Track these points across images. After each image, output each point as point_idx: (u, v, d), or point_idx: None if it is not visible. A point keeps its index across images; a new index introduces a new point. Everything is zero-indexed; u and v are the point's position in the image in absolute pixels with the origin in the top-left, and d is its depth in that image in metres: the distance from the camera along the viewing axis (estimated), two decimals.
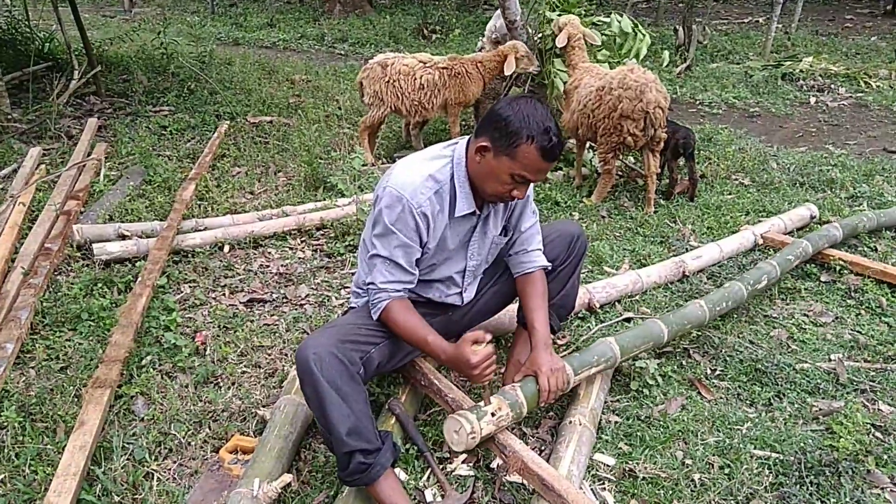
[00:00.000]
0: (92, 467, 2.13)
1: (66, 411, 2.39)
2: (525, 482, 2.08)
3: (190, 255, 3.58)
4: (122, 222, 3.78)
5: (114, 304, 3.06)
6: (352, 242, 3.76)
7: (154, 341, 2.83)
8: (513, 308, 2.66)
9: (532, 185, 2.29)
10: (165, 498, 2.07)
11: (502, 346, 2.83)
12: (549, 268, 2.37)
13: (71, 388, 2.52)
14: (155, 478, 2.16)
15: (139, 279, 3.12)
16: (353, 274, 3.47)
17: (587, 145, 4.74)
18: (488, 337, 1.94)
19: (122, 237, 3.58)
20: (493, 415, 2.04)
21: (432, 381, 2.33)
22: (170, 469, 2.21)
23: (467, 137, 2.12)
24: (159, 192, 4.34)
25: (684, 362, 2.78)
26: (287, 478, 1.98)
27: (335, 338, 1.97)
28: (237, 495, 1.93)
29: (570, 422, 2.27)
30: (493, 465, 2.20)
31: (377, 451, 1.92)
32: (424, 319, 2.09)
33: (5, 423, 2.29)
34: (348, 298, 3.23)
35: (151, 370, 2.64)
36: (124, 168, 4.78)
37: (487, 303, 2.49)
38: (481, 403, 2.06)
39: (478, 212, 2.15)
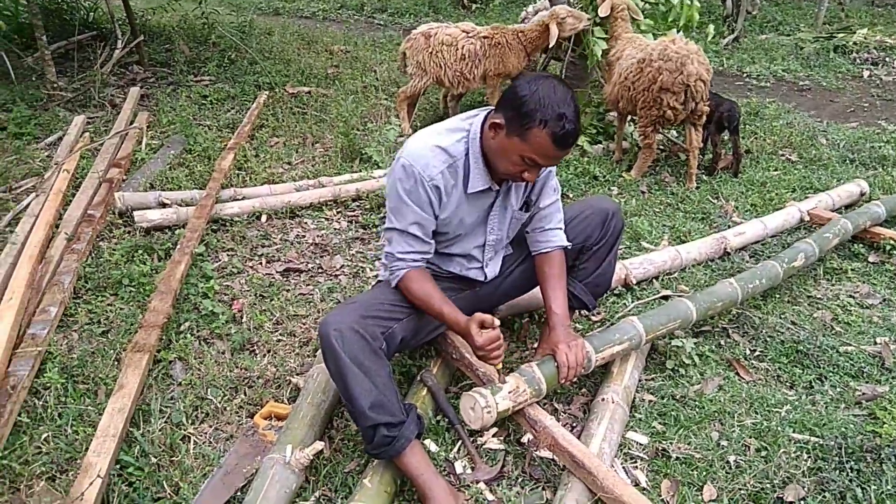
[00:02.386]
0: (130, 429, 2.19)
1: (106, 374, 2.45)
2: (555, 458, 2.08)
3: (228, 224, 3.62)
4: (163, 190, 3.83)
5: (153, 271, 3.12)
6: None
7: (192, 308, 2.88)
8: None
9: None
10: (201, 461, 2.12)
11: (535, 322, 2.81)
12: (569, 247, 2.33)
13: (111, 351, 2.58)
14: (191, 441, 2.21)
15: (178, 247, 3.16)
16: (383, 245, 3.49)
17: (628, 118, 4.63)
18: (496, 322, 1.93)
19: (163, 205, 3.64)
20: (509, 391, 2.03)
21: (463, 354, 2.33)
22: (206, 433, 2.25)
23: (487, 110, 2.07)
24: (199, 162, 4.39)
25: (723, 342, 2.72)
26: (319, 445, 2.00)
27: (357, 313, 1.97)
28: (270, 461, 1.97)
29: (603, 399, 2.25)
30: (524, 439, 2.19)
31: (401, 423, 1.92)
32: (451, 294, 2.09)
33: (48, 384, 2.36)
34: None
35: (189, 336, 2.69)
36: (165, 137, 4.84)
37: (515, 280, 2.45)
38: (497, 380, 2.06)
39: (496, 187, 2.11)
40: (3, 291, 2.77)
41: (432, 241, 2.12)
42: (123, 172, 4.08)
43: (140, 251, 3.25)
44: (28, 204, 3.69)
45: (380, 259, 3.34)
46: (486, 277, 2.34)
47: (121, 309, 2.87)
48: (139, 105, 5.47)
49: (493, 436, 2.23)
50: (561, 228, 2.31)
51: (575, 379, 2.13)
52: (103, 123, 5.13)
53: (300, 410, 2.15)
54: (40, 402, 2.30)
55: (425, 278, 2.08)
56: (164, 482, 2.02)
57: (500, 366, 2.00)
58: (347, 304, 2.05)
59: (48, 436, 2.17)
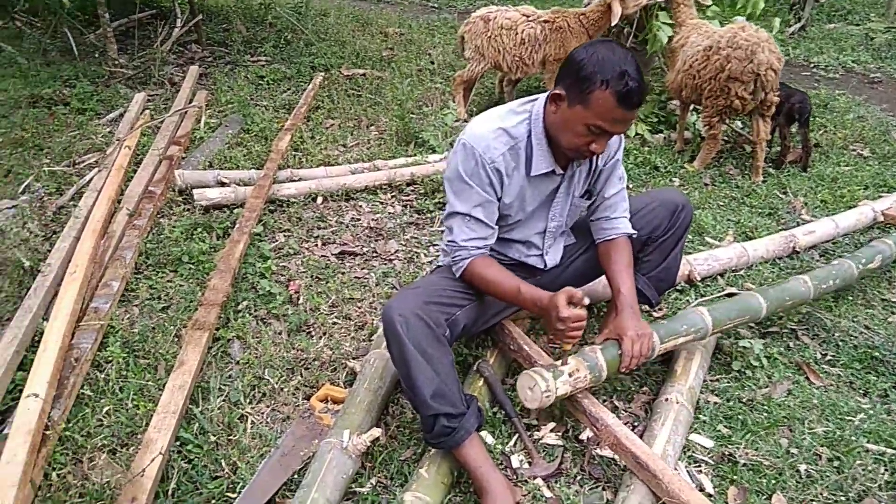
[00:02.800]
0: (190, 406, 2.21)
1: (166, 350, 2.48)
2: (616, 457, 2.02)
3: (285, 205, 3.62)
4: (221, 169, 3.86)
5: (212, 249, 3.14)
6: (441, 200, 3.72)
7: (250, 287, 2.89)
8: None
9: (620, 147, 2.16)
10: (258, 441, 2.12)
11: (594, 315, 2.74)
12: (634, 235, 2.24)
13: (171, 327, 2.61)
14: (249, 420, 2.21)
15: (237, 226, 3.18)
16: (441, 232, 3.45)
17: (691, 107, 4.49)
18: (586, 301, 1.83)
19: (221, 184, 3.66)
20: (570, 375, 1.97)
21: (521, 345, 2.28)
22: (263, 413, 2.26)
23: (547, 93, 1.99)
24: (256, 141, 4.41)
25: (792, 344, 2.61)
26: (376, 432, 1.98)
27: (420, 299, 1.94)
28: (327, 445, 1.96)
29: (667, 399, 2.17)
30: (583, 436, 2.13)
31: (462, 415, 1.89)
32: None
33: (110, 358, 2.39)
34: (437, 256, 3.21)
35: (247, 315, 2.70)
36: (223, 116, 4.88)
37: (578, 269, 2.39)
38: (559, 362, 2.00)
39: (560, 171, 2.04)
40: (67, 265, 2.82)
41: (495, 227, 2.06)
42: (183, 150, 4.12)
43: (199, 229, 3.27)
44: (90, 179, 3.76)
45: (434, 244, 3.34)
46: (545, 265, 2.29)
47: (180, 286, 2.90)
48: (198, 84, 5.52)
49: (551, 431, 2.18)
50: (626, 217, 2.23)
51: (635, 368, 2.06)
52: (163, 101, 5.20)
53: (357, 395, 2.14)
54: (102, 376, 2.34)
55: (491, 263, 2.03)
56: (222, 461, 2.03)
57: (570, 347, 1.92)
58: (410, 290, 2.02)
59: (109, 409, 2.20)
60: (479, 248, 2.03)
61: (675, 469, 1.98)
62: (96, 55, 5.89)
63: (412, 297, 1.94)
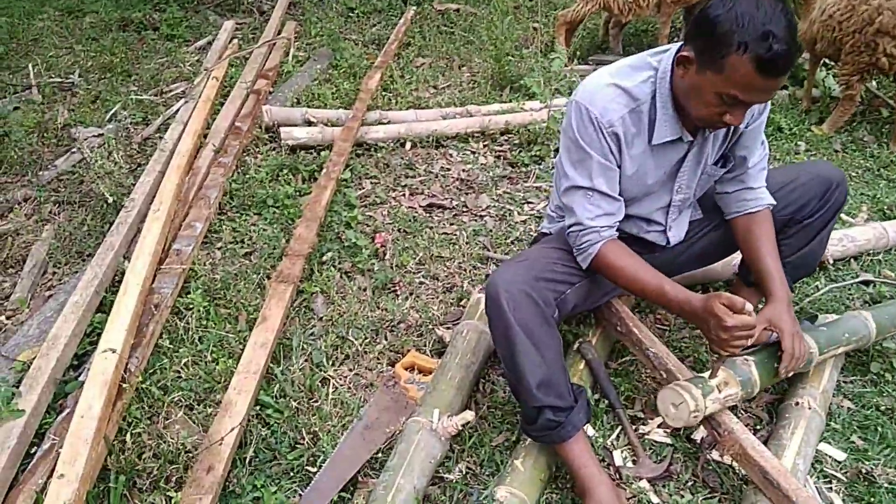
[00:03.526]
0: (271, 365, 2.09)
1: (248, 300, 2.36)
2: (735, 466, 1.79)
3: (372, 150, 3.44)
4: (309, 107, 3.68)
5: (297, 193, 3.00)
6: (538, 153, 3.45)
7: (335, 237, 2.74)
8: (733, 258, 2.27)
9: (766, 106, 1.83)
10: (340, 408, 1.99)
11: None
12: (774, 205, 1.94)
13: (254, 276, 2.49)
14: (331, 384, 2.08)
15: (324, 171, 3.01)
16: (537, 188, 3.20)
17: (821, 62, 4.00)
18: (749, 307, 1.56)
19: (309, 123, 3.50)
20: (719, 390, 1.72)
21: (631, 329, 2.04)
22: (345, 377, 2.12)
23: (678, 45, 1.67)
24: (345, 78, 4.20)
25: None
26: (469, 415, 1.81)
27: (529, 274, 1.71)
28: (416, 424, 1.80)
29: (798, 403, 1.91)
30: (696, 436, 1.91)
31: (569, 409, 1.68)
32: None
33: (191, 306, 2.29)
34: (532, 215, 2.98)
35: (332, 269, 2.55)
36: (312, 50, 4.69)
37: (702, 249, 2.10)
38: (705, 375, 1.75)
39: (688, 137, 1.74)
40: (151, 201, 2.73)
41: (621, 200, 1.79)
42: (270, 84, 3.97)
43: (285, 171, 3.13)
44: (177, 110, 3.66)
45: (528, 202, 3.09)
46: (668, 242, 2.01)
47: (264, 230, 2.78)
48: (287, 13, 5.33)
49: (659, 426, 1.96)
50: (765, 187, 1.93)
51: (791, 374, 1.81)
52: (251, 30, 5.05)
53: (448, 370, 1.96)
54: (182, 324, 2.24)
55: (626, 252, 1.76)
56: (302, 429, 1.90)
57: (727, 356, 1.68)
58: (517, 262, 1.79)
59: (188, 361, 2.10)
60: (608, 226, 1.76)
61: (805, 485, 1.74)
62: None
63: (520, 270, 1.72)
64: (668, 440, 1.91)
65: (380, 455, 1.84)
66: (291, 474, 1.78)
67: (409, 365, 2.13)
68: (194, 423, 1.91)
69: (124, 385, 1.90)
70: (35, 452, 1.76)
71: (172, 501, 1.61)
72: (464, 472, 1.80)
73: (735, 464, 1.79)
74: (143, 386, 1.98)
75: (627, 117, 1.69)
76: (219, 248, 2.68)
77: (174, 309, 2.31)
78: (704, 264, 2.19)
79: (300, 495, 1.72)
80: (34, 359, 2.00)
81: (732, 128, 1.79)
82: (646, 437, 1.93)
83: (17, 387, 1.87)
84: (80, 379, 1.97)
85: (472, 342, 2.05)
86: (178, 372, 2.07)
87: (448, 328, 2.27)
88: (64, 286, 2.45)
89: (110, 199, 2.80)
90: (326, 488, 1.71)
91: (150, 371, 2.06)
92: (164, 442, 1.80)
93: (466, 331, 2.09)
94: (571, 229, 1.77)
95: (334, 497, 1.69)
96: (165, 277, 2.38)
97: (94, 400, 1.78)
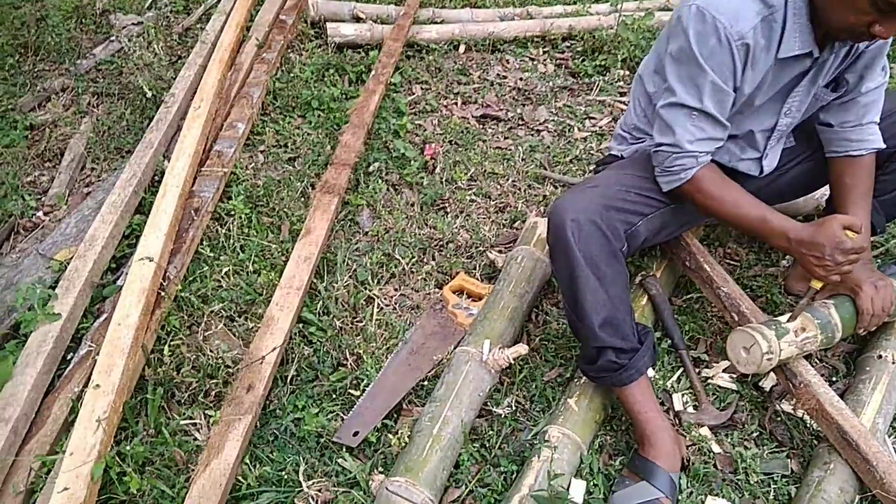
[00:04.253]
0: (314, 280, 1.99)
1: (291, 210, 2.24)
2: (807, 420, 1.66)
3: (424, 52, 3.20)
4: (357, 1, 3.43)
5: (344, 96, 2.82)
6: (603, 63, 3.18)
7: (382, 146, 2.58)
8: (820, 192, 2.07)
9: None
10: (385, 329, 1.89)
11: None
12: (885, 148, 1.71)
13: (298, 183, 2.36)
14: (375, 304, 1.98)
15: (372, 73, 2.82)
16: (600, 102, 2.97)
17: None
18: (861, 226, 1.43)
19: (357, 19, 3.26)
20: (796, 334, 1.58)
21: (701, 264, 1.88)
22: (391, 297, 2.02)
23: None
24: None
25: None
26: (522, 349, 1.69)
27: (599, 202, 1.54)
28: (464, 354, 1.69)
29: (880, 356, 1.74)
30: (765, 384, 1.77)
31: (633, 351, 1.55)
32: None
33: (233, 212, 2.18)
34: (593, 132, 2.77)
35: (379, 180, 2.41)
36: None
37: (793, 180, 1.89)
38: (781, 318, 1.60)
39: (817, 53, 1.50)
40: (192, 97, 2.58)
41: (728, 125, 1.58)
42: None
43: (331, 71, 2.94)
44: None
45: (591, 117, 2.87)
46: (761, 171, 1.80)
47: (308, 135, 2.62)
48: None
49: (724, 371, 1.83)
50: (877, 123, 1.70)
51: (874, 328, 1.65)
52: None
53: (500, 299, 1.84)
54: (223, 231, 2.14)
55: (723, 177, 1.58)
56: (346, 349, 1.81)
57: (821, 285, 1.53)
58: (585, 188, 1.62)
59: (229, 271, 2.01)
60: (707, 152, 1.57)
61: (884, 445, 1.61)
62: None
63: (589, 198, 1.55)
64: (734, 386, 1.79)
65: (425, 383, 1.75)
66: (334, 396, 1.71)
67: (457, 288, 2.02)
68: (235, 336, 1.83)
69: (162, 294, 1.82)
70: (71, 358, 1.70)
71: (211, 420, 1.55)
72: (513, 407, 1.70)
73: (808, 418, 1.66)
74: (183, 295, 1.90)
75: (759, 26, 1.44)
76: (262, 152, 2.54)
77: (215, 214, 2.21)
78: (788, 198, 1.98)
79: (342, 419, 1.65)
80: (71, 259, 1.93)
81: (855, 46, 1.54)
82: (709, 381, 1.80)
83: (54, 288, 1.81)
84: (118, 283, 1.90)
85: (528, 270, 1.92)
86: (219, 282, 1.98)
87: (500, 251, 2.14)
88: (102, 184, 2.36)
89: (149, 93, 2.65)
90: (370, 415, 1.64)
91: (190, 279, 1.97)
92: (203, 355, 1.73)
93: (521, 257, 1.95)
94: (662, 149, 1.57)
95: (377, 424, 1.62)
96: (206, 180, 2.26)
97: (132, 308, 1.70)
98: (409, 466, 1.45)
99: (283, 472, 1.52)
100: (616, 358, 1.53)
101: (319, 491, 1.49)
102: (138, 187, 2.20)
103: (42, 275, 1.95)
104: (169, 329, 1.81)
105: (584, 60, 3.24)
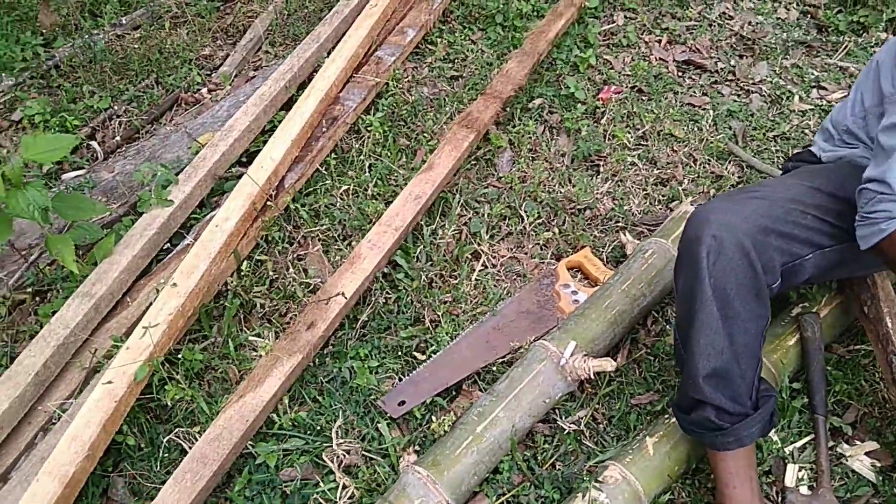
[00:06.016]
0: (423, 221, 1.85)
1: (432, 135, 2.09)
2: None
3: None
4: None
5: (535, 13, 2.51)
6: (862, 19, 2.55)
7: (554, 80, 2.30)
8: None
9: None
10: (478, 293, 1.73)
11: None
12: None
13: (448, 107, 2.19)
14: (480, 261, 1.81)
15: None
16: (842, 69, 2.41)
17: None
18: None
19: None
20: None
21: (883, 316, 1.46)
22: (500, 257, 1.83)
23: None
24: None
25: None
26: (608, 365, 1.44)
27: (758, 220, 1.21)
28: (542, 350, 1.48)
29: None
30: None
31: (742, 417, 1.25)
32: None
33: (371, 127, 2.07)
34: (818, 105, 2.26)
35: (536, 119, 2.16)
36: None
37: None
38: None
39: None
40: None
41: None
42: None
43: None
44: None
45: (823, 87, 2.33)
46: None
47: (482, 52, 2.41)
48: None
49: (867, 453, 1.44)
50: None
51: None
52: None
53: (607, 297, 1.57)
54: (356, 146, 2.05)
55: None
56: (428, 306, 1.68)
57: None
58: (748, 195, 1.28)
59: (348, 189, 1.94)
60: None
61: None
62: None
63: (747, 211, 1.22)
64: (872, 476, 1.41)
65: (494, 367, 1.58)
66: (399, 353, 1.61)
67: (575, 265, 1.78)
68: (329, 261, 1.78)
69: (270, 203, 1.79)
70: (175, 246, 1.76)
71: (267, 348, 1.52)
72: (583, 424, 1.48)
73: None
74: (293, 206, 1.87)
75: None
76: (427, 65, 2.38)
77: (353, 126, 2.12)
78: None
79: (400, 380, 1.55)
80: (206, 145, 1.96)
81: None
82: (843, 461, 1.44)
83: (178, 174, 1.85)
84: (244, 177, 1.91)
85: (654, 269, 1.62)
86: (334, 200, 1.92)
87: (640, 233, 1.84)
88: (265, 70, 2.37)
89: None
90: (426, 386, 1.52)
91: (306, 192, 1.93)
92: (287, 275, 1.70)
93: (651, 251, 1.65)
94: (870, 186, 1.18)
95: (428, 400, 1.50)
96: (355, 88, 2.17)
97: (234, 212, 1.70)
98: (437, 460, 1.33)
99: (320, 421, 1.47)
100: (716, 418, 1.24)
101: (347, 453, 1.42)
102: (291, 82, 2.17)
103: (182, 154, 2.02)
104: (270, 238, 1.80)
105: (838, 12, 2.62)
